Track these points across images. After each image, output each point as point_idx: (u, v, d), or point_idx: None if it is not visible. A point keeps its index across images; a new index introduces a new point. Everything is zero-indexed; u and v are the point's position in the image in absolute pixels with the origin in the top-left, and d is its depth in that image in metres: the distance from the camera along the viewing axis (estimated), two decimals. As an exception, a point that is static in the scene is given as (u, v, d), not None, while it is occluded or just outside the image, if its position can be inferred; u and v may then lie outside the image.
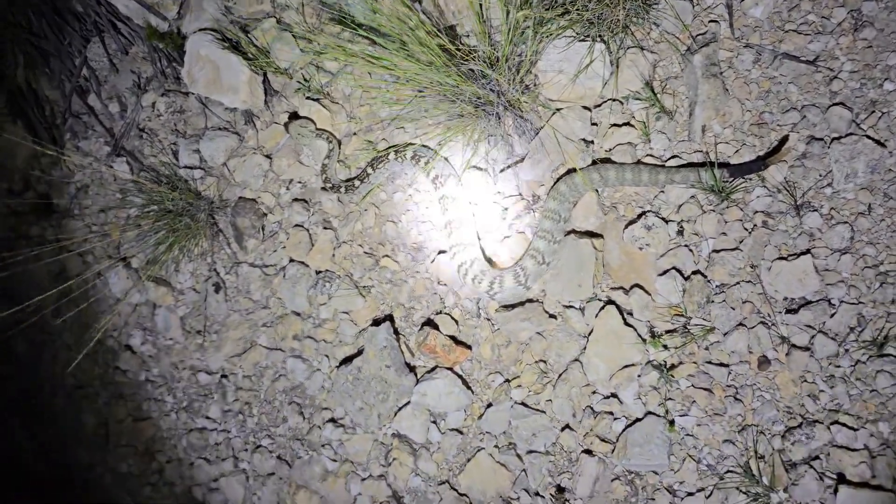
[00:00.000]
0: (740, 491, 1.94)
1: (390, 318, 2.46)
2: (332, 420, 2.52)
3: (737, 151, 2.09)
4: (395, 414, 2.39)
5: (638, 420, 2.08)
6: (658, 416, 2.05)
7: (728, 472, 1.97)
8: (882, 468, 1.81)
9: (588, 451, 2.14)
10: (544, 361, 2.25)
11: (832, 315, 1.94)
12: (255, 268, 2.69)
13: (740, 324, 2.02)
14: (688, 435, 2.03)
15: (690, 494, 2.01)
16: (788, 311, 1.96)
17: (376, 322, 2.46)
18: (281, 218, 2.67)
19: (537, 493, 2.19)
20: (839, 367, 1.92)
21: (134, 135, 3.00)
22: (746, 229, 2.06)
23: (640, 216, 2.16)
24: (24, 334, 3.18)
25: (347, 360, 2.49)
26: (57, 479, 3.06)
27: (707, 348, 2.04)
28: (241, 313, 2.72)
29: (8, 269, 3.20)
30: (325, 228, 2.60)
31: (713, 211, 2.07)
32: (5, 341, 3.19)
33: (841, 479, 1.84)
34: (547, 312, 2.26)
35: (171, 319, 2.86)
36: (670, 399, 2.05)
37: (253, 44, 2.61)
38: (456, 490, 2.33)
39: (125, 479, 2.92)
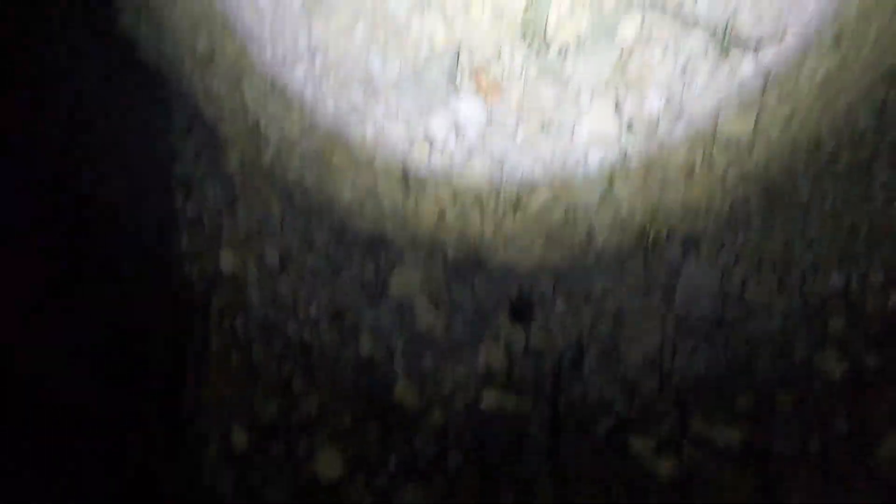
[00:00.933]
0: None
1: (458, 49, 3.41)
2: (384, 105, 3.53)
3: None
4: (430, 115, 3.39)
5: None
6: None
7: None
8: None
9: (548, 186, 3.15)
10: (549, 120, 3.22)
11: None
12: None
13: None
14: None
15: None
16: None
17: (448, 47, 3.41)
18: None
19: (510, 201, 3.22)
20: None
21: None
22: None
23: (664, 46, 3.06)
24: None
25: (415, 66, 3.46)
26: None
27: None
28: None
29: None
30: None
31: (713, 59, 2.96)
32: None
33: None
34: (569, 89, 3.20)
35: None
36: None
37: None
38: (449, 185, 3.37)
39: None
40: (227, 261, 3.61)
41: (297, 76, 3.78)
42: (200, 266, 3.73)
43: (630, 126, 3.00)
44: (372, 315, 3.24)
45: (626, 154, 3.00)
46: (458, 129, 3.35)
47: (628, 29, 3.06)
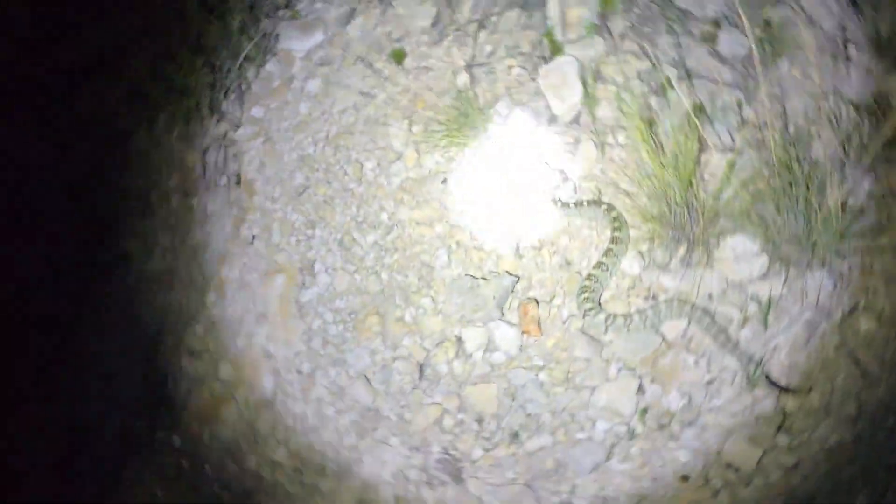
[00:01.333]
0: None
1: (518, 278, 3.70)
2: (432, 298, 3.76)
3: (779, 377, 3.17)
4: (469, 324, 3.60)
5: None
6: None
7: None
8: None
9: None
10: (573, 375, 3.39)
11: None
12: (474, 191, 4.01)
13: (693, 449, 3.09)
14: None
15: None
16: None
17: (510, 273, 3.71)
18: (513, 181, 3.99)
19: (509, 431, 3.32)
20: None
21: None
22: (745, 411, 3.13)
23: (699, 355, 3.29)
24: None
25: (475, 277, 3.74)
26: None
27: (663, 444, 3.11)
28: (441, 202, 4.04)
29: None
30: (530, 207, 3.89)
31: (738, 385, 3.17)
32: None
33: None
34: (602, 356, 3.41)
35: (402, 173, 4.23)
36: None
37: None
38: (458, 394, 3.49)
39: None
40: (226, 371, 3.67)
41: (367, 241, 4.08)
42: (195, 366, 3.79)
43: (645, 412, 3.14)
44: (335, 481, 3.22)
45: (632, 436, 3.11)
46: (488, 346, 3.53)
47: (673, 328, 3.31)
